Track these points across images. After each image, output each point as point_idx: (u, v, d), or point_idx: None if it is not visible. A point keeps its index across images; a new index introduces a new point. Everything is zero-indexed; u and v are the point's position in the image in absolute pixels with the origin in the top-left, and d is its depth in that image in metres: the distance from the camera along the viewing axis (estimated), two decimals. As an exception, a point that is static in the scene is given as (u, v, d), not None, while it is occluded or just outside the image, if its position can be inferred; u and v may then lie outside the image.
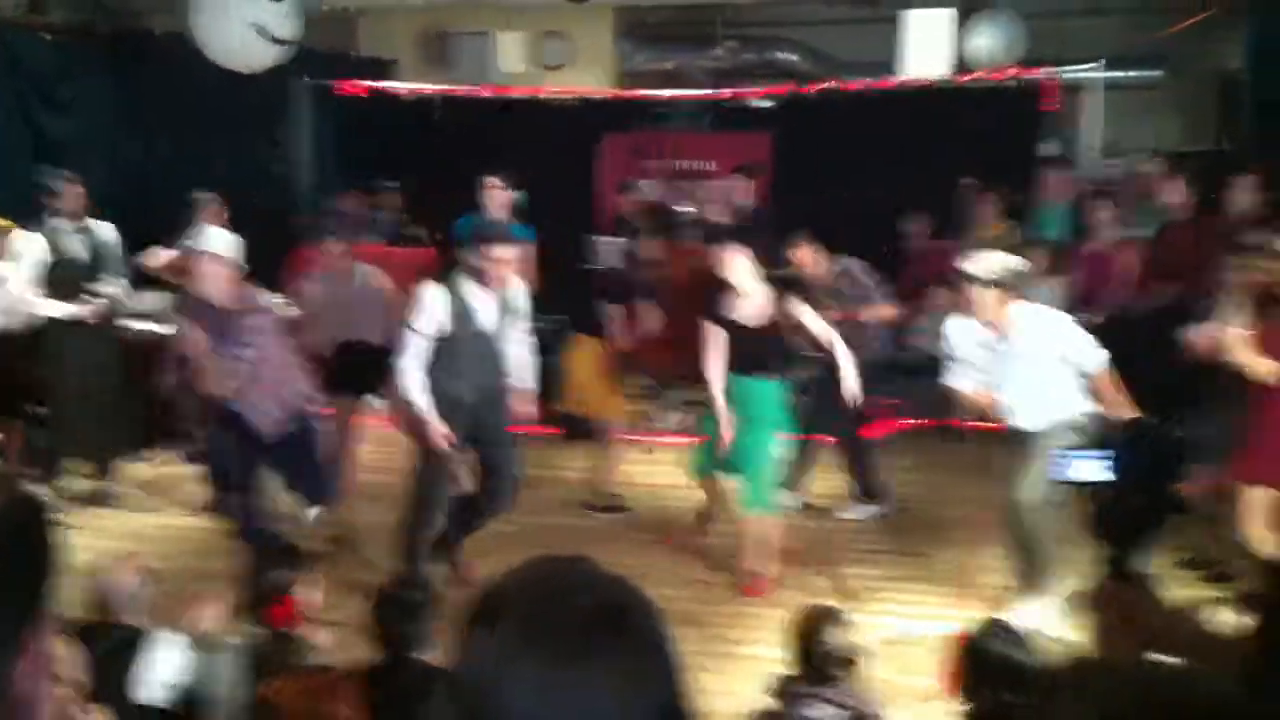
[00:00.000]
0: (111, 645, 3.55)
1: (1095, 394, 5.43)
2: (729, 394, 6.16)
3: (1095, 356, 5.44)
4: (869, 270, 7.39)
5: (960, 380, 5.68)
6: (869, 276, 7.34)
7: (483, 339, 5.72)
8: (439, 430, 5.62)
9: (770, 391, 6.14)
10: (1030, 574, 5.43)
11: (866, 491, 7.36)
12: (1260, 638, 1.96)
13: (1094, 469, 2.98)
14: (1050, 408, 5.33)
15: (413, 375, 5.60)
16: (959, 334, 5.63)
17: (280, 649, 3.49)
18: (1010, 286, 5.38)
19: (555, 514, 7.41)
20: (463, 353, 5.65)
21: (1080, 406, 5.39)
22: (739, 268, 6.16)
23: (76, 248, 7.41)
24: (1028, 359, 5.37)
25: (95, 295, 7.35)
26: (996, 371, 5.49)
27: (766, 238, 9.44)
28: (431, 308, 5.58)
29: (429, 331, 5.58)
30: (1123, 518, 3.11)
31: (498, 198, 7.68)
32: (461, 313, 5.62)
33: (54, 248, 7.33)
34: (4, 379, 7.16)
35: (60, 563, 1.02)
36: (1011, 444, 5.54)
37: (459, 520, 6.08)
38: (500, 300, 5.75)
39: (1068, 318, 5.52)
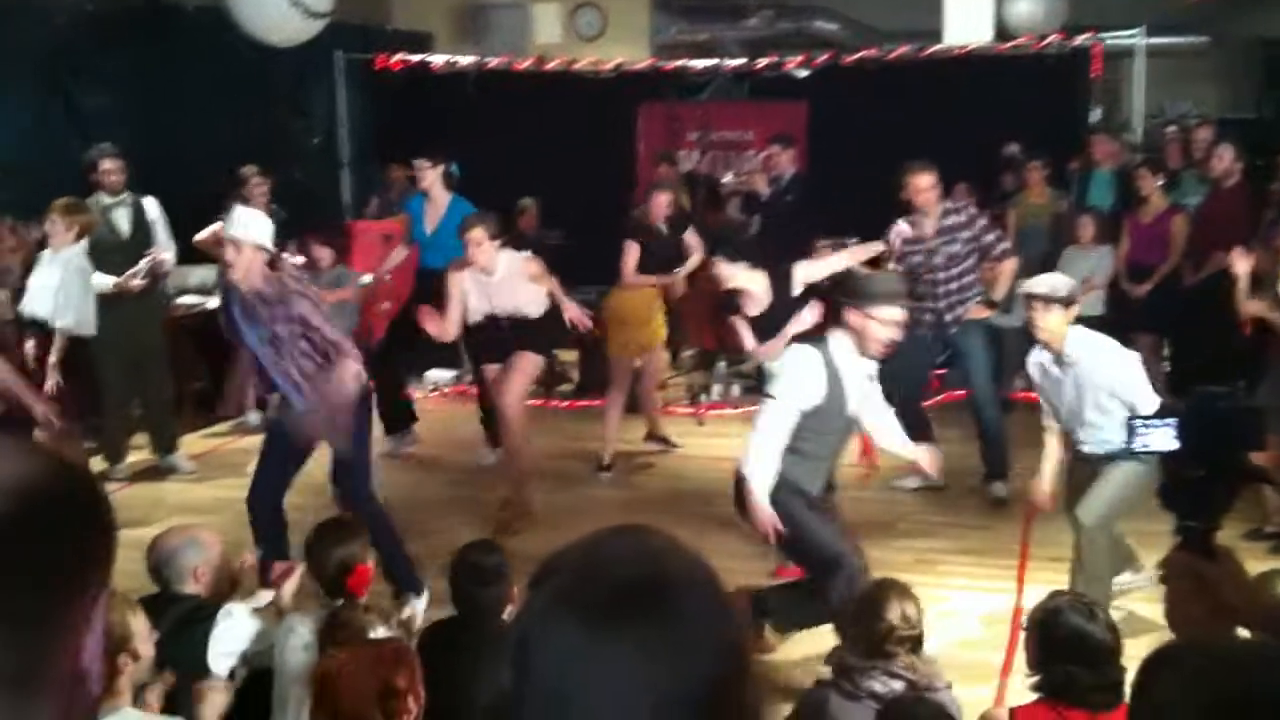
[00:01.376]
0: (177, 617, 3.55)
1: None
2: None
3: (1148, 400, 4.91)
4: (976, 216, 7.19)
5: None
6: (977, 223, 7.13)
7: (847, 424, 4.84)
8: (767, 518, 4.64)
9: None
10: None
11: None
12: None
13: (1164, 438, 2.91)
14: (1110, 435, 4.94)
15: (763, 448, 4.66)
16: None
17: (354, 619, 3.49)
18: (1072, 305, 5.09)
19: (604, 486, 7.41)
20: (822, 435, 4.76)
21: None
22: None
23: (119, 221, 7.41)
24: (1080, 387, 5.08)
25: (137, 266, 7.34)
26: (1053, 394, 5.24)
27: (804, 207, 9.42)
28: (803, 374, 4.65)
29: (797, 403, 4.64)
30: (1187, 488, 3.04)
31: (428, 177, 7.62)
32: (833, 387, 4.68)
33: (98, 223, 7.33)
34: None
35: (113, 534, 0.99)
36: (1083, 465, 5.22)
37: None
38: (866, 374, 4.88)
39: (1127, 354, 5.10)
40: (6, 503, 0.89)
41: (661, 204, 7.87)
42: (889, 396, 5.22)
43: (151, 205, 7.57)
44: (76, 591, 0.93)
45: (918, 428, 7.03)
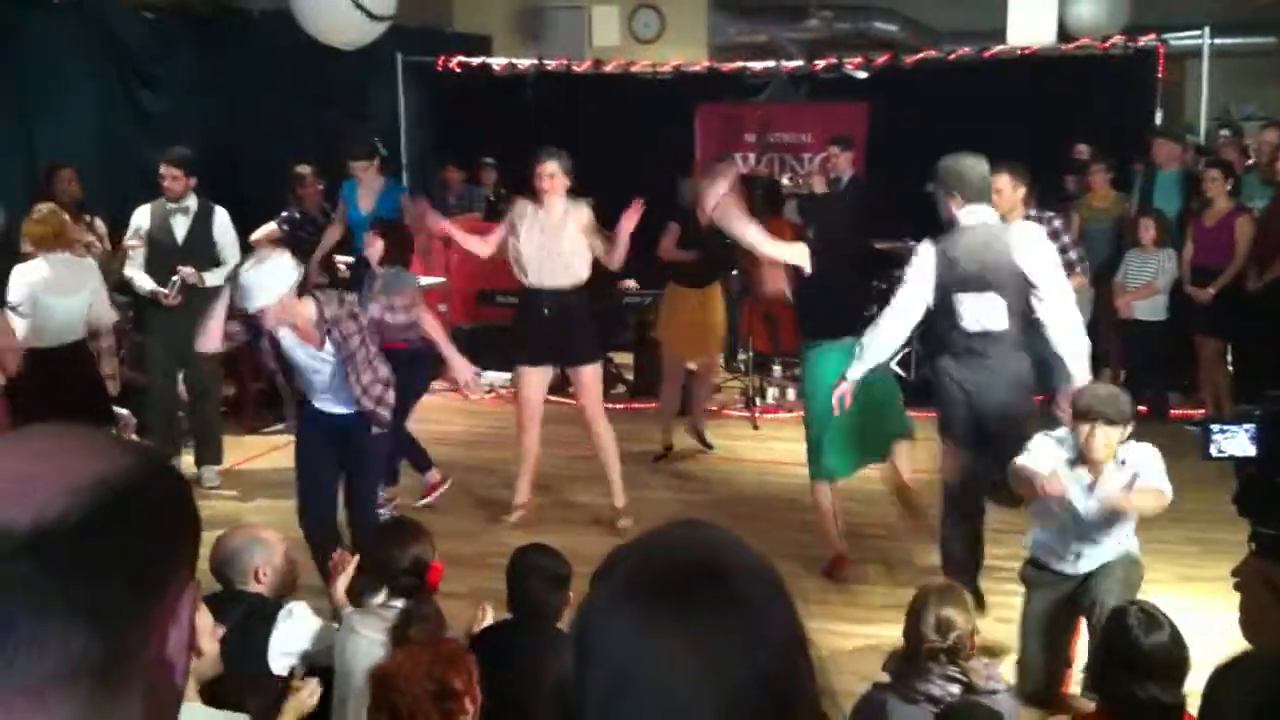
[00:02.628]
0: (238, 616, 3.59)
1: None
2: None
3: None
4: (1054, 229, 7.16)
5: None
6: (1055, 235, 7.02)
7: None
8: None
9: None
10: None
11: None
12: None
13: (1240, 443, 2.86)
14: (1108, 548, 4.71)
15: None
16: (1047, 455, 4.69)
17: (435, 614, 3.53)
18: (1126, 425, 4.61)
19: (657, 489, 7.41)
20: None
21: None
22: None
23: (176, 227, 7.44)
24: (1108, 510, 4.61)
25: (171, 281, 7.29)
26: (1059, 507, 4.68)
27: (862, 209, 9.36)
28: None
29: None
30: (1262, 493, 2.98)
31: (366, 171, 7.77)
32: None
33: (156, 225, 7.40)
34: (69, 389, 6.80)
35: (198, 527, 1.01)
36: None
37: None
38: None
39: (1158, 456, 4.66)
40: (93, 496, 0.90)
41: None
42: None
43: (220, 215, 7.57)
44: (162, 585, 0.94)
45: None
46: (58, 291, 6.64)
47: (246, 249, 8.27)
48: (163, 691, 0.95)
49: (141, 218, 7.39)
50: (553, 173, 6.43)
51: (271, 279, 4.83)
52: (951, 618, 3.58)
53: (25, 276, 6.60)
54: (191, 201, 7.47)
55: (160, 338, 7.45)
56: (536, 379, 6.72)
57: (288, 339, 5.13)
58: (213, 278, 7.40)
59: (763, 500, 7.11)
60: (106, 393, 7.34)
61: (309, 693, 3.44)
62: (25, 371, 6.48)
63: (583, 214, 6.56)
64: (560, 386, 7.62)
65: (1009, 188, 6.74)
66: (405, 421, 6.91)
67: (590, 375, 6.67)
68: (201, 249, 7.45)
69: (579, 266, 6.56)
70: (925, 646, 3.56)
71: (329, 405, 5.32)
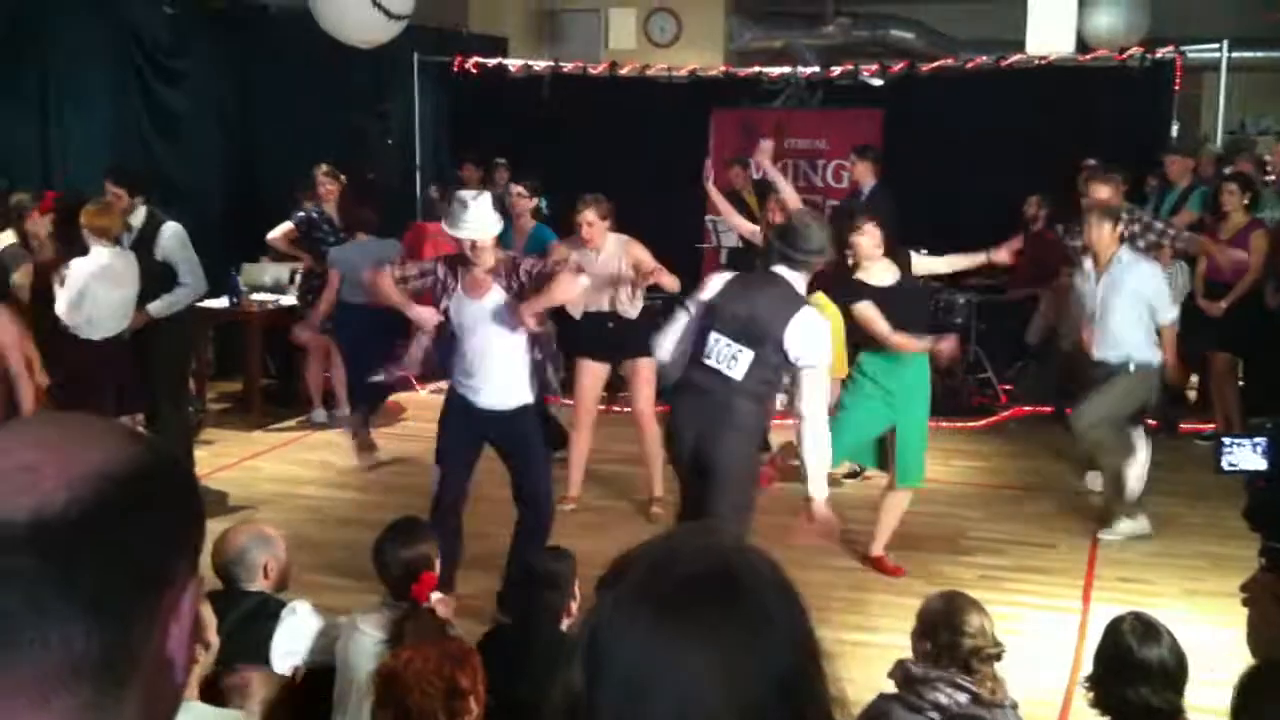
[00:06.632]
0: (242, 613, 3.58)
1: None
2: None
3: (1170, 311, 6.36)
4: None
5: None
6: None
7: None
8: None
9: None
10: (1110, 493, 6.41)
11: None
12: None
13: (1252, 457, 2.85)
14: (1129, 346, 6.20)
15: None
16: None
17: (419, 624, 3.50)
18: (1120, 222, 6.35)
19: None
20: None
21: (1153, 355, 6.24)
22: None
23: None
24: (1118, 294, 6.14)
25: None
26: (1091, 303, 6.32)
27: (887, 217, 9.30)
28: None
29: None
30: (1275, 507, 2.97)
31: (521, 205, 7.69)
32: None
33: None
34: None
35: (202, 522, 0.99)
36: (1093, 375, 6.36)
37: None
38: None
39: (1159, 270, 6.54)
40: (96, 487, 0.88)
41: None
42: None
43: (165, 234, 7.05)
44: (166, 579, 0.92)
45: None
46: (112, 283, 6.60)
47: (257, 249, 8.28)
48: (163, 689, 0.94)
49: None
50: (590, 220, 6.46)
51: (492, 215, 5.08)
52: (989, 628, 3.57)
53: (84, 267, 6.53)
54: (138, 219, 7.02)
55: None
56: (595, 372, 6.89)
57: (460, 300, 5.18)
58: (158, 306, 6.92)
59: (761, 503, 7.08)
60: (150, 388, 7.23)
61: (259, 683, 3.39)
62: (73, 362, 6.43)
63: (634, 248, 6.64)
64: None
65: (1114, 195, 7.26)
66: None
67: (647, 367, 6.64)
68: (146, 271, 6.87)
69: (630, 309, 6.65)
70: (972, 646, 3.53)
71: (481, 397, 5.31)
